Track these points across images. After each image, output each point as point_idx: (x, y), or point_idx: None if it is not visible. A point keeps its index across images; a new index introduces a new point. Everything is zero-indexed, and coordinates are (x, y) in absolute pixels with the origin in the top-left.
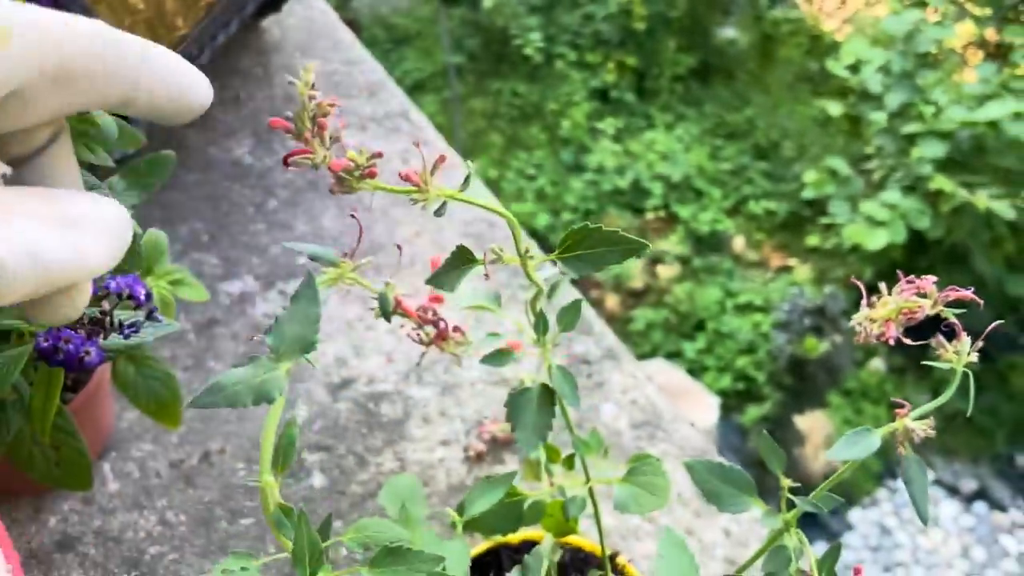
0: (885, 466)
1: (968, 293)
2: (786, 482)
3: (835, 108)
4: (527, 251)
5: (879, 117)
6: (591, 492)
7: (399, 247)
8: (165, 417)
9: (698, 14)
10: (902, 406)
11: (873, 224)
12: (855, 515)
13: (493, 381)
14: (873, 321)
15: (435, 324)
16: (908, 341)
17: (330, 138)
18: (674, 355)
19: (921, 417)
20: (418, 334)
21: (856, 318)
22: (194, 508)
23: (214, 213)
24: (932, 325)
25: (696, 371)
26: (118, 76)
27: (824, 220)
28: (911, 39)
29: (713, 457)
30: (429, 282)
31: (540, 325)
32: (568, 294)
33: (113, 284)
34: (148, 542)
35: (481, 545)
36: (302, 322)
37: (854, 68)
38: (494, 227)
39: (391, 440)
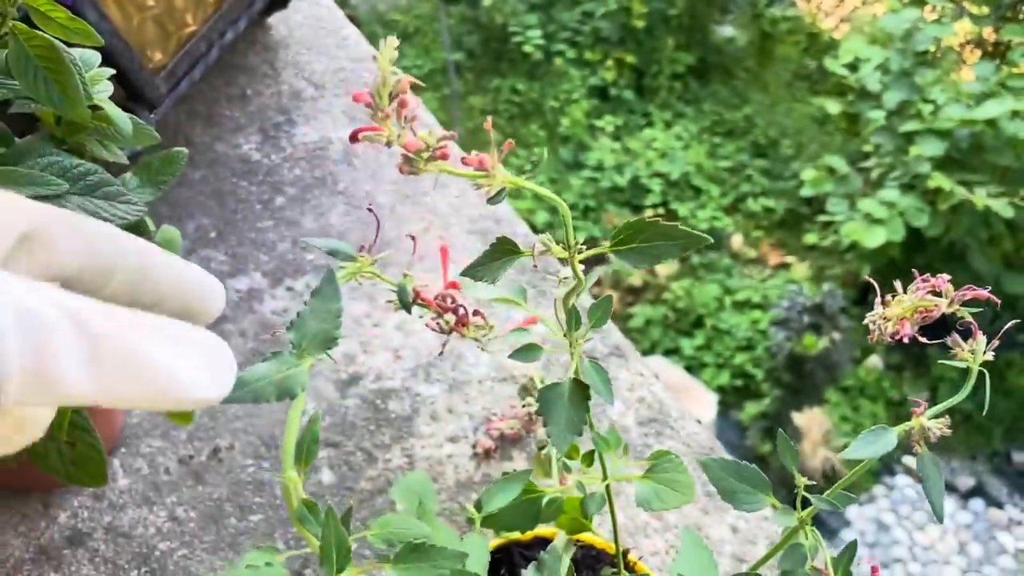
0: (883, 463)
1: (984, 292)
2: (801, 480)
3: (833, 106)
4: (577, 244)
5: (877, 115)
6: (608, 489)
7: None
8: (177, 414)
9: (697, 12)
10: (918, 405)
11: (871, 222)
12: (852, 511)
13: (501, 378)
14: (887, 320)
15: (454, 311)
16: (923, 340)
17: (406, 118)
18: (672, 352)
19: (937, 416)
20: (438, 323)
21: (870, 316)
22: (203, 504)
23: (221, 209)
24: (936, 324)
25: (694, 368)
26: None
27: (822, 218)
28: (909, 37)
29: (720, 454)
30: (465, 273)
31: (572, 320)
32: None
33: None
34: (158, 538)
35: (492, 542)
36: (324, 317)
37: (852, 66)
38: (500, 223)
39: (399, 436)
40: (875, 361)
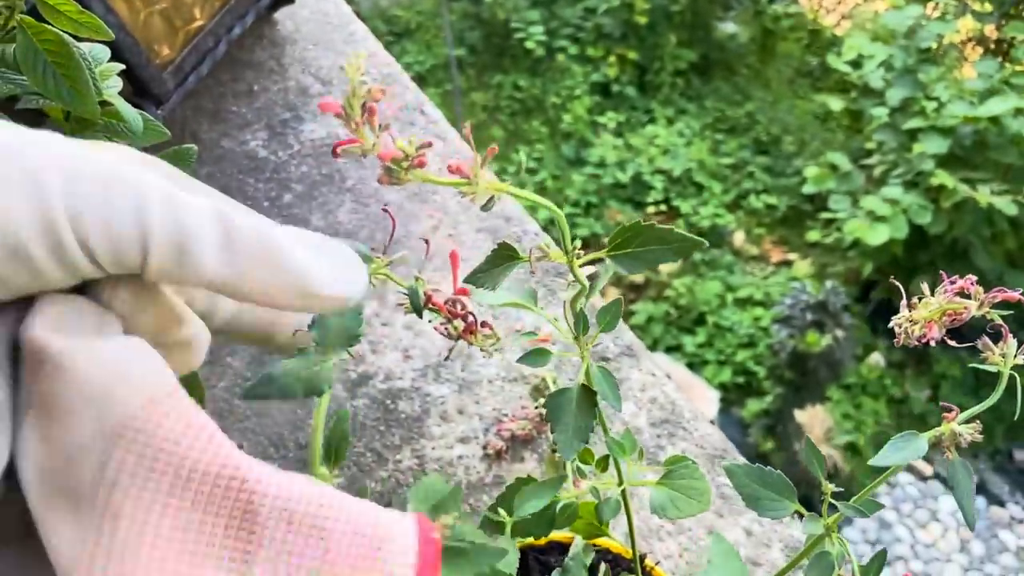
0: None
1: (1015, 295)
2: (828, 487)
3: (836, 103)
4: (575, 248)
5: (880, 112)
6: (624, 495)
7: (427, 241)
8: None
9: (699, 8)
10: (950, 410)
11: (874, 219)
12: None
13: (511, 378)
14: (914, 322)
15: (463, 318)
16: (952, 343)
17: (379, 126)
18: (674, 349)
19: (968, 420)
20: (446, 328)
21: (896, 319)
22: None
23: None
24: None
25: (696, 365)
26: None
27: (825, 215)
28: (913, 34)
29: (734, 455)
30: (468, 280)
31: (580, 324)
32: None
33: None
34: None
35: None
36: (345, 314)
37: (855, 63)
38: (510, 222)
39: (409, 437)
40: (877, 358)
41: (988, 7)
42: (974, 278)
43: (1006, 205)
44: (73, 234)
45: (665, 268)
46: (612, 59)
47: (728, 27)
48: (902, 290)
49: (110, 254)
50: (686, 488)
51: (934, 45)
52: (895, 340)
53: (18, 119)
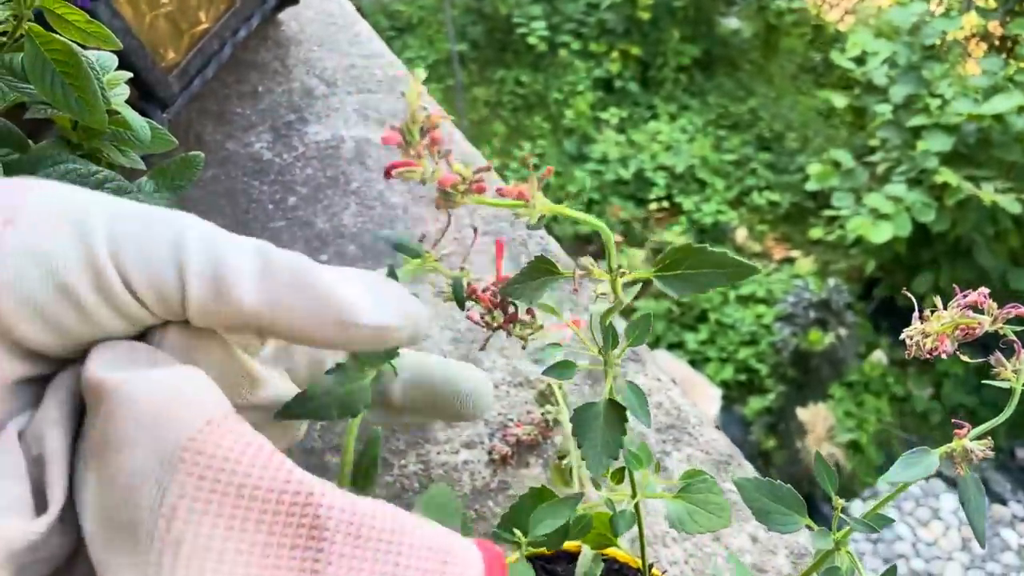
0: (886, 458)
1: None
2: (839, 502)
3: (839, 100)
4: (620, 267)
5: (884, 109)
6: (637, 507)
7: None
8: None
9: (702, 4)
10: (961, 426)
11: (877, 217)
12: (856, 507)
13: (517, 383)
14: (927, 335)
15: (504, 308)
16: (965, 358)
17: (439, 152)
18: (676, 346)
19: (980, 437)
20: (484, 319)
21: (908, 331)
22: None
23: (233, 209)
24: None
25: (698, 362)
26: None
27: (827, 212)
28: (917, 31)
29: (739, 461)
30: (504, 292)
31: (609, 339)
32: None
33: None
34: None
35: (513, 556)
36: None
37: (859, 60)
38: (515, 226)
39: (414, 442)
40: (879, 356)
41: (992, 3)
42: (986, 291)
43: (1010, 203)
44: (115, 270)
45: None
46: (615, 55)
47: (731, 23)
48: (914, 301)
49: (149, 288)
50: (704, 503)
51: (938, 42)
52: (906, 352)
53: (22, 127)
